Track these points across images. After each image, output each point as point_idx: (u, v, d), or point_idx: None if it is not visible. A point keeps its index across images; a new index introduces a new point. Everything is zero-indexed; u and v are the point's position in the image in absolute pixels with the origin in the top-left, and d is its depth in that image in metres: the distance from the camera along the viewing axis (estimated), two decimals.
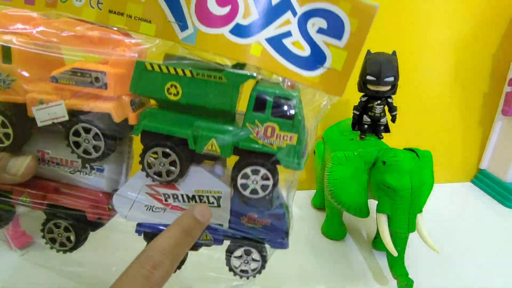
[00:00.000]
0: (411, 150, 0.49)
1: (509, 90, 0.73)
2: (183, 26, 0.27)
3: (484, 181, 0.80)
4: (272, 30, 0.27)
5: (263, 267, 0.34)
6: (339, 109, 0.54)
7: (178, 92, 0.27)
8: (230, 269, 0.35)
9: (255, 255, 0.34)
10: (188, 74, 0.27)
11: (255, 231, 0.33)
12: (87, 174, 0.32)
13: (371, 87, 0.52)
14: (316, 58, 0.28)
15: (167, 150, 0.28)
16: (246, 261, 0.34)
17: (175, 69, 0.27)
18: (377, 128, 0.54)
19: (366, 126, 0.54)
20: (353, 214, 0.52)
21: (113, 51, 0.28)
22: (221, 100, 0.27)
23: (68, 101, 0.28)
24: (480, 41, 0.74)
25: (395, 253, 0.46)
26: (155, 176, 0.30)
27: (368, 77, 0.51)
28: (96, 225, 0.34)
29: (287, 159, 0.29)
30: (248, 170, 0.29)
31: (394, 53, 0.53)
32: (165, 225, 0.31)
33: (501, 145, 0.77)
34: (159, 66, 0.27)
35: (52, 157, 0.31)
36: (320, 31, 0.28)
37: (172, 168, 0.29)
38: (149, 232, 0.33)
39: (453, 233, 0.63)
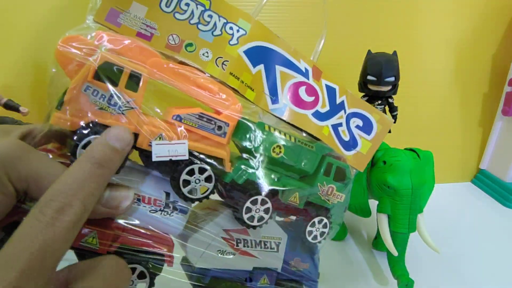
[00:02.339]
0: (412, 150, 0.49)
1: (509, 90, 0.73)
2: (275, 101, 0.35)
3: (484, 181, 0.81)
4: (335, 120, 0.38)
5: None
6: None
7: (280, 152, 0.33)
8: None
9: None
10: (292, 140, 0.34)
11: (297, 274, 0.38)
12: (168, 215, 0.29)
13: (371, 87, 0.52)
14: (352, 144, 0.40)
15: (266, 198, 0.32)
16: None
17: (284, 133, 0.34)
18: None
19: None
20: (355, 213, 0.52)
21: (228, 105, 0.31)
22: (308, 163, 0.35)
23: (190, 143, 0.29)
24: (480, 41, 0.74)
25: (395, 253, 0.46)
26: (249, 222, 0.33)
27: (369, 77, 0.51)
28: (160, 270, 0.30)
29: (336, 212, 0.38)
30: (316, 220, 0.37)
31: (394, 53, 0.53)
32: (233, 271, 0.33)
33: (501, 145, 0.77)
34: (274, 129, 0.33)
35: (134, 193, 0.28)
36: (357, 127, 0.40)
37: (265, 215, 0.33)
38: (209, 283, 0.33)
39: (453, 233, 0.63)
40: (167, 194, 0.29)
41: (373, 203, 0.51)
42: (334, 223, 0.38)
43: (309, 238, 0.37)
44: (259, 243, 0.35)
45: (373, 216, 0.52)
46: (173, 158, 0.28)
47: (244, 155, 0.33)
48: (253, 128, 0.32)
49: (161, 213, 0.29)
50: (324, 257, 0.41)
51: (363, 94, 0.54)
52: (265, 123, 0.33)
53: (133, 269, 0.29)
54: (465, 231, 0.65)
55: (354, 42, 0.64)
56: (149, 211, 0.28)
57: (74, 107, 0.25)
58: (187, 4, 0.32)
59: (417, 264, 0.52)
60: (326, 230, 0.37)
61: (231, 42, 0.33)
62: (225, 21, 0.33)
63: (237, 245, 0.34)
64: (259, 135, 0.32)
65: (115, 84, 0.26)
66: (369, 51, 0.54)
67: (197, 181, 0.29)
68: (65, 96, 0.25)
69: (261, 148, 0.32)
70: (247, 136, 0.32)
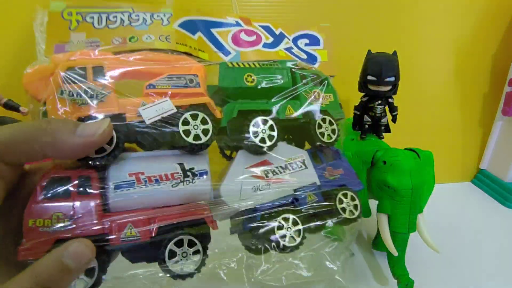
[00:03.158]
0: (412, 150, 0.49)
1: (509, 90, 0.73)
2: (226, 53, 0.41)
3: (484, 181, 0.80)
4: (284, 45, 0.44)
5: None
6: None
7: (253, 79, 0.36)
8: None
9: None
10: (257, 65, 0.37)
11: (337, 181, 0.40)
12: (191, 182, 0.30)
13: (371, 87, 0.52)
14: (312, 58, 0.46)
15: (265, 117, 0.35)
16: None
17: (248, 64, 0.36)
18: (378, 128, 0.54)
19: (366, 126, 0.54)
20: None
21: (191, 62, 0.35)
22: (282, 78, 0.37)
23: (172, 100, 0.31)
24: (480, 41, 0.74)
25: (395, 253, 0.46)
26: (261, 143, 0.34)
27: (369, 77, 0.51)
28: (208, 237, 0.32)
29: (333, 111, 0.41)
30: (320, 121, 0.39)
31: (394, 53, 0.53)
32: (276, 201, 0.34)
33: (501, 145, 0.77)
34: (237, 63, 0.36)
35: (149, 176, 0.29)
36: (307, 45, 0.46)
37: (273, 133, 0.35)
38: (259, 224, 0.33)
39: (453, 233, 0.63)
40: (181, 165, 0.31)
41: (373, 203, 0.51)
42: (335, 117, 0.41)
43: (325, 139, 0.39)
44: (285, 167, 0.36)
45: (373, 216, 0.52)
46: (164, 115, 0.30)
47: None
48: (221, 70, 0.36)
49: (183, 184, 0.30)
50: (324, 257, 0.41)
51: (363, 94, 0.54)
52: (227, 62, 0.37)
53: (181, 241, 0.29)
54: (465, 231, 0.65)
55: (354, 42, 0.64)
56: (172, 186, 0.30)
57: (57, 114, 0.28)
58: (115, 16, 0.39)
59: (417, 264, 0.52)
60: (334, 126, 0.40)
61: (164, 24, 0.40)
62: (151, 13, 0.39)
63: (267, 176, 0.35)
64: (228, 72, 0.36)
65: (84, 79, 0.29)
66: (369, 51, 0.54)
67: (196, 126, 0.31)
68: (46, 106, 0.28)
69: (236, 82, 0.35)
70: (224, 78, 0.35)
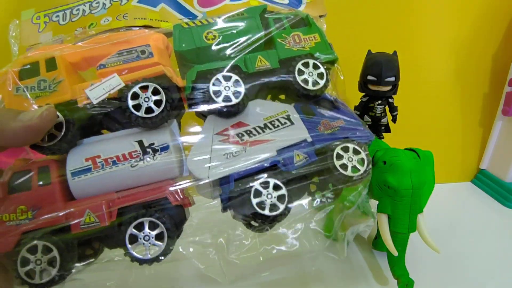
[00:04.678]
0: (412, 150, 0.49)
1: (509, 90, 0.73)
2: (193, 18, 0.37)
3: (484, 181, 0.80)
4: None
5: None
6: None
7: (214, 36, 0.32)
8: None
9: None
10: (218, 20, 0.32)
11: (336, 135, 0.33)
12: (152, 159, 0.28)
13: (371, 87, 0.52)
14: (297, 0, 0.41)
15: (228, 73, 0.31)
16: None
17: (207, 20, 0.32)
18: (378, 128, 0.54)
19: (367, 126, 0.54)
20: None
21: (142, 33, 0.33)
22: (251, 30, 0.33)
23: (121, 77, 0.30)
24: (480, 41, 0.74)
25: (395, 253, 0.46)
26: (225, 102, 0.30)
27: (369, 77, 0.51)
28: (180, 215, 0.29)
29: (320, 53, 0.35)
30: (300, 66, 0.33)
31: (395, 53, 0.53)
32: (253, 166, 0.29)
33: (502, 145, 0.77)
34: (193, 22, 0.32)
35: (105, 158, 0.28)
36: None
37: (238, 89, 0.30)
38: (235, 188, 0.29)
39: (453, 233, 0.63)
40: (139, 142, 0.29)
41: (373, 203, 0.51)
42: (324, 60, 0.35)
43: (309, 87, 0.33)
44: (265, 126, 0.31)
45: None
46: (111, 91, 0.29)
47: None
48: (176, 32, 0.32)
49: (143, 162, 0.28)
50: (324, 257, 0.41)
51: (363, 94, 0.54)
52: (182, 22, 0.33)
53: (140, 226, 0.28)
54: (465, 231, 0.65)
55: (354, 42, 0.64)
56: (131, 166, 0.28)
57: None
58: (77, 9, 0.39)
59: (417, 264, 0.52)
60: (320, 70, 0.34)
61: (123, 3, 0.39)
62: None
63: (242, 139, 0.30)
64: (183, 34, 0.32)
65: (37, 73, 0.29)
66: (369, 51, 0.54)
67: (146, 99, 0.29)
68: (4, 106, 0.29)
69: (194, 42, 0.32)
70: (181, 41, 0.32)
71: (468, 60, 0.75)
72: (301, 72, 0.33)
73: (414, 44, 0.72)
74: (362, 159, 0.32)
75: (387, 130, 0.55)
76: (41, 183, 0.27)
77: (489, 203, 0.75)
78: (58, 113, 0.28)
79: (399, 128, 0.56)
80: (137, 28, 0.37)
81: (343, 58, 0.63)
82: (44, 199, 0.27)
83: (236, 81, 0.31)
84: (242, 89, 0.30)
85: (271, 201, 0.29)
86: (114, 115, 0.30)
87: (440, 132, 0.80)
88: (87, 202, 0.28)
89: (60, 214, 0.27)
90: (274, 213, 0.28)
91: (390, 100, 0.53)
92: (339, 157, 0.31)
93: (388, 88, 0.51)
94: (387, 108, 0.54)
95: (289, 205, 0.29)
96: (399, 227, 0.47)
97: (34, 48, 0.36)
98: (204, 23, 0.33)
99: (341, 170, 0.31)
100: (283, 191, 0.29)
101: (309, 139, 0.32)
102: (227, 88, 0.30)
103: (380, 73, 0.50)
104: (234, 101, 0.30)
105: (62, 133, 0.28)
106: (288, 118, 0.32)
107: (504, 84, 0.74)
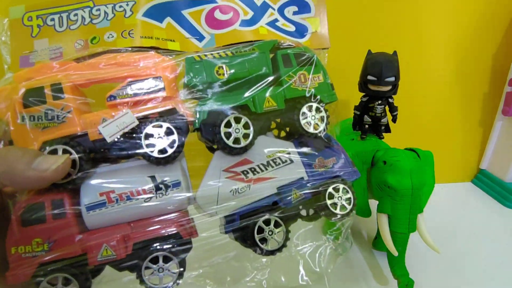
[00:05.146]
0: (412, 150, 0.49)
1: (509, 90, 0.73)
2: (200, 38, 0.37)
3: (485, 181, 0.80)
4: (266, 19, 0.39)
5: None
6: (339, 110, 0.54)
7: (226, 71, 0.33)
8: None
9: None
10: (230, 54, 0.33)
11: (328, 173, 0.36)
12: (164, 195, 0.30)
13: (372, 87, 0.52)
14: (301, 29, 0.40)
15: (239, 115, 0.32)
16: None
17: (219, 54, 0.33)
18: (378, 128, 0.54)
19: (367, 126, 0.54)
20: (355, 213, 0.51)
21: (153, 59, 0.32)
22: (261, 66, 0.33)
23: (133, 111, 0.30)
24: (481, 41, 0.74)
25: (395, 253, 0.46)
26: (235, 145, 0.31)
27: (369, 77, 0.51)
28: (188, 247, 0.31)
29: (323, 93, 0.36)
30: (305, 109, 0.35)
31: (395, 53, 0.53)
32: (257, 203, 0.32)
33: (502, 145, 0.77)
34: (205, 55, 0.32)
35: (120, 193, 0.29)
36: (295, 13, 0.40)
37: (248, 131, 0.32)
38: (241, 224, 0.32)
39: (453, 233, 0.63)
40: (152, 178, 0.30)
41: (373, 203, 0.51)
42: (324, 101, 0.37)
43: (311, 130, 0.35)
44: (268, 164, 0.33)
45: (373, 216, 0.52)
46: (125, 130, 0.29)
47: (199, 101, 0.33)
48: (188, 66, 0.32)
49: (156, 197, 0.29)
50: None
51: (363, 94, 0.54)
52: (193, 55, 0.33)
53: (155, 259, 0.29)
54: (465, 231, 0.65)
55: (354, 42, 0.64)
56: (144, 201, 0.29)
57: (21, 140, 0.28)
58: (75, 14, 0.36)
59: (417, 264, 0.52)
60: (322, 113, 0.36)
61: (126, 15, 0.36)
62: (113, 4, 0.36)
63: (247, 176, 0.32)
64: (195, 68, 0.32)
65: (43, 102, 0.28)
66: (369, 51, 0.54)
67: (160, 138, 0.30)
68: (9, 127, 0.28)
69: (204, 77, 0.32)
70: (192, 74, 0.32)
71: (468, 60, 0.75)
72: (304, 115, 0.35)
73: (414, 44, 0.72)
74: (349, 199, 0.36)
75: (387, 130, 0.55)
76: (55, 216, 0.28)
77: (489, 203, 0.75)
78: (71, 150, 0.28)
79: (399, 128, 0.56)
80: (143, 49, 0.36)
81: (343, 58, 0.64)
82: (59, 231, 0.28)
83: (246, 123, 0.32)
84: (251, 131, 0.32)
85: (272, 237, 0.33)
86: (119, 151, 0.30)
87: (440, 132, 0.80)
88: (103, 235, 0.29)
89: (77, 248, 0.28)
90: (273, 248, 0.33)
91: (390, 100, 0.53)
92: (331, 196, 0.35)
93: (388, 88, 0.51)
94: (387, 108, 0.54)
95: (287, 242, 0.34)
96: (399, 227, 0.47)
97: (33, 58, 0.35)
98: (215, 57, 0.33)
99: (331, 209, 0.35)
100: (283, 228, 0.33)
101: (306, 178, 0.35)
102: (237, 130, 0.32)
103: (380, 73, 0.50)
104: (243, 143, 0.32)
105: (77, 171, 0.28)
106: (288, 157, 0.35)
107: (504, 84, 0.74)
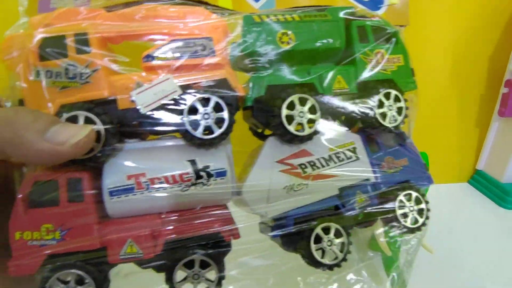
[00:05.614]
0: None
1: (505, 92, 0.73)
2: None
3: (481, 181, 0.81)
4: None
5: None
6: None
7: (290, 39, 0.26)
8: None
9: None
10: (297, 18, 0.26)
11: (398, 175, 0.31)
12: (206, 185, 0.24)
13: None
14: (376, 2, 0.33)
15: (304, 95, 0.25)
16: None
17: (284, 17, 0.26)
18: None
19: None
20: None
21: (203, 17, 0.25)
22: (331, 36, 0.27)
23: (176, 77, 0.23)
24: (477, 41, 0.74)
25: (389, 253, 0.46)
26: (297, 132, 0.25)
27: None
28: (227, 249, 0.25)
29: (401, 80, 0.30)
30: (380, 97, 0.29)
31: None
32: (313, 206, 0.26)
33: (498, 145, 0.77)
34: (267, 16, 0.26)
35: (152, 178, 0.23)
36: None
37: (313, 117, 0.26)
38: (295, 229, 0.26)
39: (449, 233, 0.64)
40: (192, 162, 0.24)
41: None
42: (403, 89, 0.30)
43: (386, 123, 0.29)
44: (330, 159, 0.27)
45: None
46: (164, 100, 0.23)
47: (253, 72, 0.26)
48: (245, 27, 0.25)
49: (195, 187, 0.23)
50: None
51: None
52: (253, 14, 0.26)
53: (191, 264, 0.24)
54: (461, 231, 0.65)
55: None
56: (182, 190, 0.23)
57: (33, 101, 0.22)
58: None
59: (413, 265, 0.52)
60: (401, 103, 0.30)
61: None
62: None
63: (304, 172, 0.27)
64: (254, 30, 0.25)
65: (64, 55, 0.22)
66: None
67: (206, 115, 0.24)
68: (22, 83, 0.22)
69: (264, 44, 0.26)
70: (242, 37, 0.26)
71: (464, 60, 0.75)
72: (381, 104, 0.29)
73: (411, 45, 0.72)
74: (422, 210, 0.31)
75: None
76: (71, 198, 0.22)
77: (485, 204, 0.75)
78: (96, 119, 0.22)
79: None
80: (189, 3, 0.28)
81: None
82: (75, 218, 0.22)
83: (312, 107, 0.26)
84: (318, 117, 0.26)
85: (331, 249, 0.27)
86: (154, 126, 0.24)
87: (436, 133, 0.80)
88: (128, 227, 0.23)
89: (95, 239, 0.22)
90: (332, 262, 0.27)
91: None
92: (401, 205, 0.30)
93: None
94: None
95: (347, 255, 0.28)
96: None
97: (54, 2, 0.27)
98: (280, 20, 0.26)
99: (402, 221, 0.30)
100: (344, 239, 0.28)
101: (372, 179, 0.29)
102: (301, 114, 0.25)
103: None
104: (307, 131, 0.26)
105: (101, 146, 0.23)
106: (354, 151, 0.28)
107: (500, 85, 0.74)
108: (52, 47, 0.22)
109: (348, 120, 0.31)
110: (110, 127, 0.23)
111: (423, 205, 0.31)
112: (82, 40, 0.22)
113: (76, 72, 0.22)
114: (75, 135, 0.20)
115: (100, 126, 0.22)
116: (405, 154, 0.32)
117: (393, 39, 0.30)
